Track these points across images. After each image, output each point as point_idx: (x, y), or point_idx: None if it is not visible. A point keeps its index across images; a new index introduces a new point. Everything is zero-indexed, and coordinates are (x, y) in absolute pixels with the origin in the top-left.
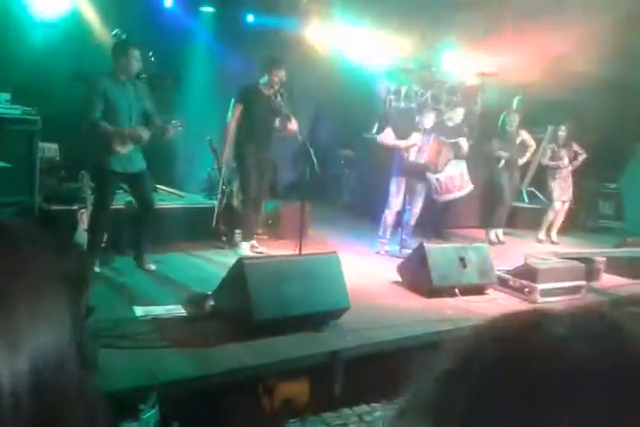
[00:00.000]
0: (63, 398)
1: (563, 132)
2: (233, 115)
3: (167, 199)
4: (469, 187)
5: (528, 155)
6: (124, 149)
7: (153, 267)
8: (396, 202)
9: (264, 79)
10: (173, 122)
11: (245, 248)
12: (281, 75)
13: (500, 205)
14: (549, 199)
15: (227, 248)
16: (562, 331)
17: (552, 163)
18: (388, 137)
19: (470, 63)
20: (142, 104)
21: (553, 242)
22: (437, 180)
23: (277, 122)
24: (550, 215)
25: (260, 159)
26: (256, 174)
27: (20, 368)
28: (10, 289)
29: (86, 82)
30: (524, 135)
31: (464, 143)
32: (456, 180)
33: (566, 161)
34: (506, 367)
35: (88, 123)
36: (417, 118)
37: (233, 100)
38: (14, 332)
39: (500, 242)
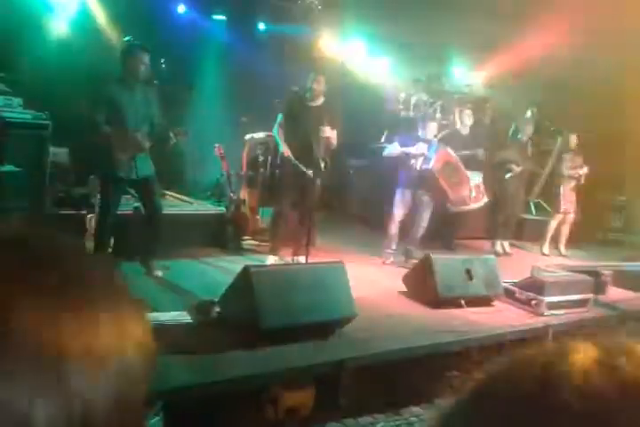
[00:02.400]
0: (138, 411)
1: (576, 140)
2: (280, 125)
3: (176, 205)
4: (484, 199)
5: (532, 167)
6: (125, 156)
7: (160, 273)
8: (400, 212)
9: (306, 88)
10: (176, 130)
11: (270, 261)
12: (322, 82)
13: (506, 216)
14: (555, 209)
15: (234, 255)
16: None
17: (572, 171)
18: (394, 150)
19: (479, 74)
20: (150, 110)
21: (562, 255)
22: (455, 190)
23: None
24: (552, 226)
25: (299, 171)
26: (293, 187)
27: (106, 383)
28: (95, 302)
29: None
30: (534, 149)
31: (480, 153)
32: (472, 191)
33: (585, 169)
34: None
35: (90, 126)
36: (419, 130)
37: (281, 114)
38: (104, 348)
39: (506, 253)
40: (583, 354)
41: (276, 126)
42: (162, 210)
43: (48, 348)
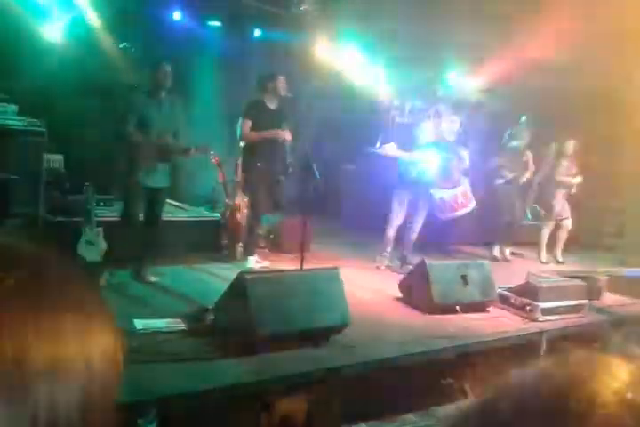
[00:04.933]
0: (107, 414)
1: (573, 147)
2: (243, 130)
3: (170, 212)
4: (472, 204)
5: (527, 175)
6: (149, 164)
7: (154, 279)
8: (397, 217)
9: (266, 91)
10: (200, 146)
11: (252, 261)
12: (282, 85)
13: (506, 222)
14: (548, 216)
15: (229, 262)
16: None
17: (565, 179)
18: (391, 149)
19: (474, 80)
20: (175, 123)
21: (558, 262)
22: (441, 198)
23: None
24: (544, 233)
25: (267, 173)
26: (263, 188)
27: (72, 386)
28: (57, 304)
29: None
30: (529, 156)
31: (466, 156)
32: (459, 198)
33: (578, 179)
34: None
35: (120, 134)
36: (416, 134)
37: (241, 117)
38: (68, 360)
39: (505, 259)
40: (612, 377)
41: (239, 131)
42: (161, 219)
43: (9, 355)
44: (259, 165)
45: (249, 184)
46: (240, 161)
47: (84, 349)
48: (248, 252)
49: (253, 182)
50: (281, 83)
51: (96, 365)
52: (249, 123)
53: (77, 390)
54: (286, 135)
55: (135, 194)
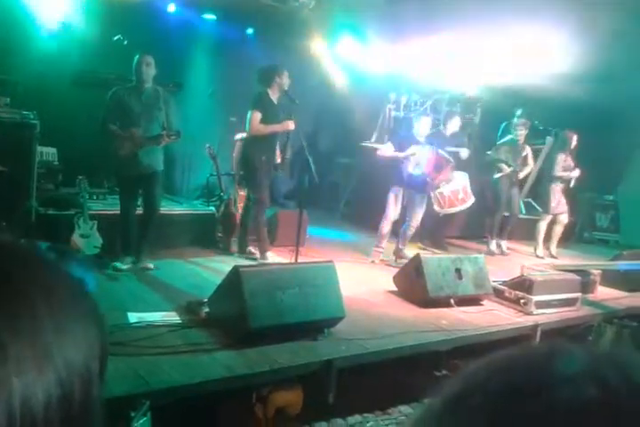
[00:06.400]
0: (88, 412)
1: (574, 141)
2: (253, 122)
3: (165, 205)
4: (471, 200)
5: (527, 170)
6: (125, 153)
7: (151, 265)
8: (393, 212)
9: (271, 85)
10: (170, 132)
11: (270, 257)
12: (286, 79)
13: (503, 216)
14: (545, 210)
15: (223, 255)
16: (572, 374)
17: (564, 174)
18: (387, 150)
19: (470, 73)
20: (161, 113)
21: (552, 256)
22: (441, 193)
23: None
24: (541, 227)
25: (269, 166)
26: (267, 183)
27: (48, 382)
28: (37, 304)
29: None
30: (528, 151)
31: (464, 153)
32: (459, 193)
33: (577, 173)
34: (508, 402)
35: (101, 127)
36: (412, 128)
37: (250, 109)
38: (42, 346)
39: (503, 253)
40: (571, 359)
41: (251, 124)
42: (159, 208)
43: None
44: (263, 159)
45: (254, 180)
46: (239, 154)
47: (60, 340)
48: (263, 249)
49: (260, 178)
50: (285, 77)
51: (74, 357)
52: (259, 115)
53: (54, 384)
54: (291, 125)
55: (127, 186)
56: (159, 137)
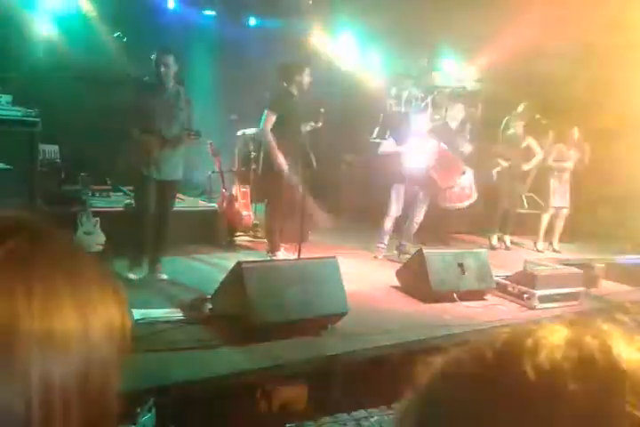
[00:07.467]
0: (105, 397)
1: (576, 132)
2: (265, 126)
3: None
4: (475, 196)
5: (534, 162)
6: (148, 156)
7: (165, 277)
8: (395, 208)
9: (291, 84)
10: (191, 132)
11: (282, 256)
12: (308, 78)
13: (505, 210)
14: (545, 204)
15: (226, 251)
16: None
17: (555, 164)
18: (388, 147)
19: (471, 68)
20: (182, 113)
21: (555, 250)
22: (450, 188)
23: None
24: (543, 221)
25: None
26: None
27: (68, 363)
28: (60, 288)
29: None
30: (532, 143)
31: (467, 149)
32: (467, 189)
33: (571, 164)
34: (477, 393)
35: (127, 129)
36: (411, 123)
37: (266, 109)
38: (64, 331)
39: (506, 247)
40: (552, 332)
41: (264, 125)
42: (170, 213)
43: (2, 329)
44: (285, 160)
45: (272, 186)
46: (257, 155)
47: (82, 320)
48: (273, 249)
49: (278, 185)
50: (306, 75)
51: (96, 337)
52: (273, 118)
53: (74, 363)
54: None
55: (144, 187)
56: (180, 138)
